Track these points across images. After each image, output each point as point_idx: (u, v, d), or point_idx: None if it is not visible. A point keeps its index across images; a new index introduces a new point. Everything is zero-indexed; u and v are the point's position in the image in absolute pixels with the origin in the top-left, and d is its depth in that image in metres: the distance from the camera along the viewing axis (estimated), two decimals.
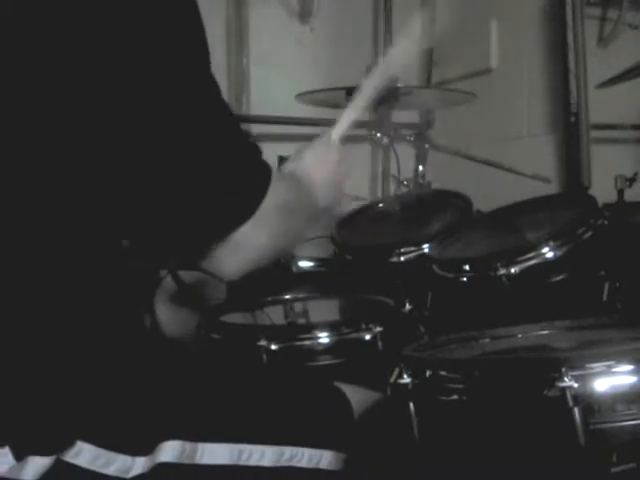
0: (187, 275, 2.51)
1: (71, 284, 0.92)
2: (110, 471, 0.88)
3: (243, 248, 1.00)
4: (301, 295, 1.93)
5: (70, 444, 0.87)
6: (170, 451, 0.91)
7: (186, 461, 0.93)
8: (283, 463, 0.99)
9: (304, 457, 1.00)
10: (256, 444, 0.97)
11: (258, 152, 1.03)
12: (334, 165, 1.28)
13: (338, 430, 1.07)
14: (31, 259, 0.89)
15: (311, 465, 1.01)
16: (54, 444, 0.87)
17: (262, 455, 0.97)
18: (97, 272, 0.96)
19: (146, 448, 0.91)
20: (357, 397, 1.14)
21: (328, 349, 1.55)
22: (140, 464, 0.90)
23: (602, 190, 1.99)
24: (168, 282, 2.49)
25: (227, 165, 0.96)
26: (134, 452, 0.90)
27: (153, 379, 0.97)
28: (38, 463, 0.85)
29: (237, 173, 0.97)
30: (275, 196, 1.01)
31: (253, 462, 0.97)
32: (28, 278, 0.90)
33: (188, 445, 0.93)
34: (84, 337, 0.92)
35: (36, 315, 0.90)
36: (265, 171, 1.01)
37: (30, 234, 0.89)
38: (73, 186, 0.89)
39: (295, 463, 1.00)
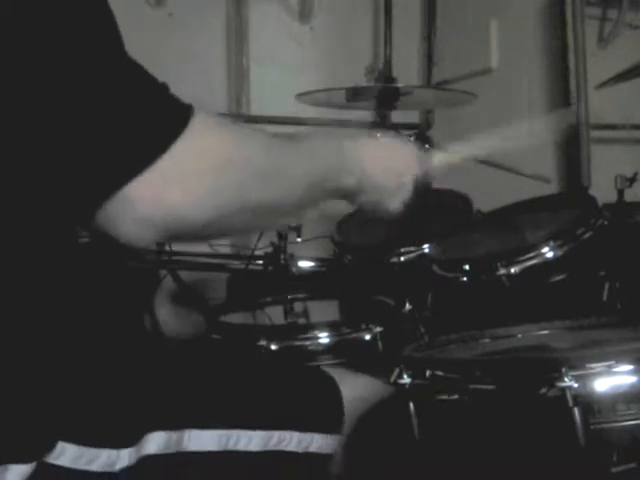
0: (187, 275, 2.52)
1: (36, 280, 0.87)
2: (95, 467, 0.86)
3: (141, 207, 0.82)
4: (301, 295, 1.93)
5: (51, 446, 0.84)
6: (155, 442, 0.90)
7: (173, 450, 0.92)
8: (271, 447, 0.98)
9: (293, 441, 0.99)
10: (244, 429, 0.97)
11: (170, 96, 0.86)
12: (404, 156, 1.18)
13: (327, 413, 1.06)
14: None
15: (300, 449, 1.00)
16: (35, 449, 0.84)
17: (250, 440, 0.96)
18: (60, 266, 0.91)
19: (130, 440, 0.90)
20: (347, 379, 1.13)
21: (328, 349, 1.55)
22: (126, 456, 0.89)
23: (602, 190, 1.99)
24: (168, 282, 2.49)
25: (124, 107, 0.81)
26: (118, 445, 0.88)
27: (135, 372, 0.95)
28: (20, 469, 0.82)
29: (134, 117, 0.81)
30: (210, 149, 0.85)
31: (241, 447, 0.96)
32: None
33: (174, 434, 0.92)
34: (56, 335, 0.89)
35: (4, 314, 0.85)
36: (177, 115, 0.83)
37: None
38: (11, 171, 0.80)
39: (284, 447, 0.99)
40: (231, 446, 0.95)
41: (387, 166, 1.14)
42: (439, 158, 1.30)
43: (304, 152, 1.01)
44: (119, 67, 0.85)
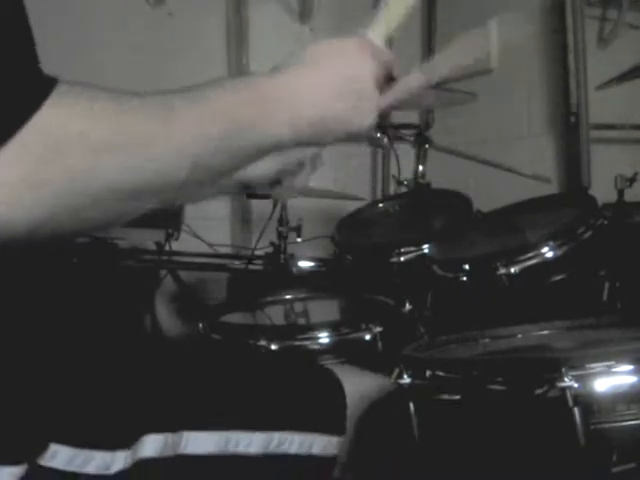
0: (187, 275, 2.52)
1: (26, 281, 0.87)
2: (89, 469, 0.84)
3: None
4: (301, 295, 1.93)
5: (43, 447, 0.83)
6: (151, 446, 0.88)
7: (169, 453, 0.89)
8: (272, 449, 0.95)
9: (294, 443, 0.97)
10: (243, 431, 0.94)
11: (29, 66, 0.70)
12: (357, 65, 0.89)
13: (330, 413, 1.03)
14: None
15: (302, 451, 0.97)
16: (27, 450, 0.82)
17: (250, 442, 0.94)
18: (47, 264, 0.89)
19: (125, 442, 0.87)
20: (354, 378, 1.10)
21: (328, 349, 1.55)
22: (121, 459, 0.86)
23: (602, 190, 1.99)
24: (168, 282, 2.49)
25: None
26: (113, 447, 0.86)
27: (131, 372, 0.93)
28: (12, 471, 0.81)
29: None
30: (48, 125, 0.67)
31: (241, 450, 0.93)
32: None
33: (170, 436, 0.90)
34: (50, 335, 0.89)
35: None
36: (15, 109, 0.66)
37: None
38: None
39: (285, 449, 0.96)
40: (231, 449, 0.93)
41: (330, 85, 0.87)
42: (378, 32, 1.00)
43: (183, 113, 0.76)
44: None
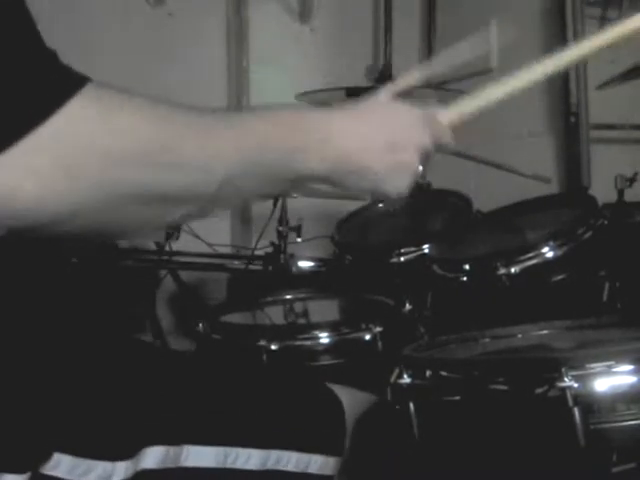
0: (187, 275, 2.52)
1: (29, 288, 0.87)
2: (90, 479, 0.85)
3: None
4: (301, 295, 1.93)
5: (46, 457, 0.83)
6: (153, 457, 0.89)
7: (170, 465, 0.90)
8: (270, 467, 0.97)
9: (291, 461, 0.98)
10: (243, 447, 0.95)
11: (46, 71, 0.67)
12: (404, 124, 0.90)
13: (328, 433, 1.04)
14: None
15: (299, 469, 0.98)
16: (30, 459, 0.83)
17: (248, 458, 0.95)
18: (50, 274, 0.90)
19: (127, 453, 0.88)
20: (353, 399, 1.12)
21: (328, 349, 1.55)
22: (122, 469, 0.87)
23: (602, 190, 1.99)
24: (168, 282, 2.49)
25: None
26: (114, 457, 0.87)
27: (134, 384, 0.94)
28: None
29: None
30: (78, 138, 0.66)
31: (239, 465, 0.95)
32: None
33: (172, 449, 0.91)
34: (53, 344, 0.89)
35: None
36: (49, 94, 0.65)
37: None
38: None
39: (282, 467, 0.97)
40: (229, 464, 0.94)
41: (379, 143, 0.88)
42: (451, 117, 1.02)
43: (219, 133, 0.76)
44: None
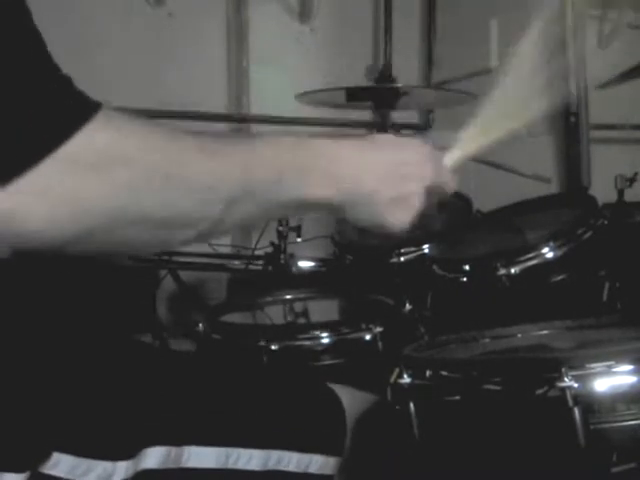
0: (187, 275, 2.52)
1: (30, 287, 0.88)
2: (91, 479, 0.85)
3: None
4: (301, 295, 1.93)
5: (46, 456, 0.83)
6: (154, 457, 0.89)
7: (171, 466, 0.91)
8: (271, 467, 0.97)
9: (292, 461, 0.99)
10: (244, 447, 0.96)
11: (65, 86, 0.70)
12: (411, 158, 0.92)
13: (329, 434, 1.05)
14: None
15: (300, 469, 0.99)
16: (29, 458, 0.83)
17: (250, 458, 0.96)
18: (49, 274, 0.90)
19: (128, 453, 0.88)
20: (353, 399, 1.12)
21: (328, 349, 1.55)
22: (122, 469, 0.87)
23: (602, 190, 1.99)
24: (168, 282, 2.49)
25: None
26: (115, 457, 0.87)
27: (135, 384, 0.94)
28: (14, 479, 0.81)
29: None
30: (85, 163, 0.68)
31: (240, 466, 0.95)
32: None
33: (173, 449, 0.91)
34: (53, 343, 0.89)
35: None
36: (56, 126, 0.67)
37: None
38: None
39: (283, 467, 0.98)
40: (231, 464, 0.95)
41: (385, 172, 0.90)
42: (453, 157, 1.03)
43: (226, 157, 0.78)
44: None
